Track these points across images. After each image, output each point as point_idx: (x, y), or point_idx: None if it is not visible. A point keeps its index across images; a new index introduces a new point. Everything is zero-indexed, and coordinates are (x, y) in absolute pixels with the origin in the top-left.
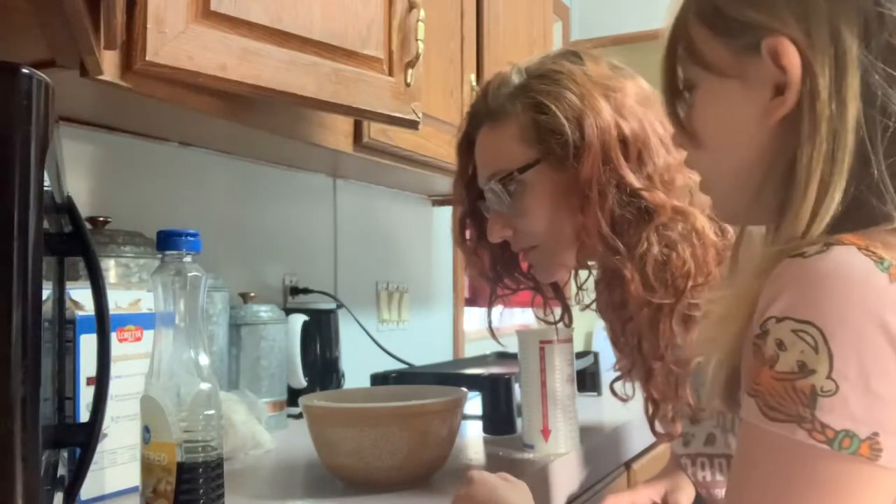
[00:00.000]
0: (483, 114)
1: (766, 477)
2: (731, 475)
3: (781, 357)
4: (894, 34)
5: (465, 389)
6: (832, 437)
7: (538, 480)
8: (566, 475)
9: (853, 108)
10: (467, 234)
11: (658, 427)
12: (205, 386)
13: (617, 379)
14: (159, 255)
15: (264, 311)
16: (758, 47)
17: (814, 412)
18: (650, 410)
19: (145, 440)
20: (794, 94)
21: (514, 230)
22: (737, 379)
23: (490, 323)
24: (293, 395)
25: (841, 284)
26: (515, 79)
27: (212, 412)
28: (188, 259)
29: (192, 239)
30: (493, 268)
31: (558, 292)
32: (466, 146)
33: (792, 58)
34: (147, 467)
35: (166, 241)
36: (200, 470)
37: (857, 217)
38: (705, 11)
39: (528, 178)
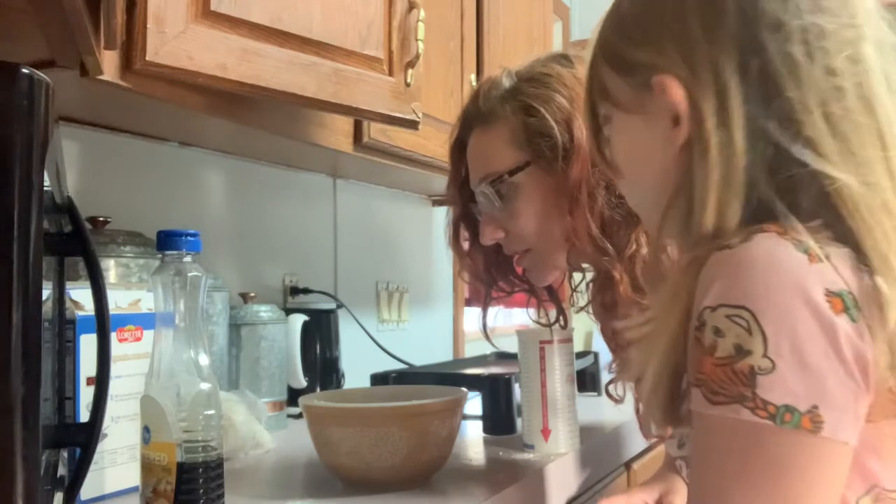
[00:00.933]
0: (474, 117)
1: (719, 460)
2: (690, 467)
3: (720, 343)
4: (768, 60)
5: (464, 389)
6: (773, 412)
7: (538, 480)
8: (566, 475)
9: (739, 134)
10: (462, 236)
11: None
12: (205, 386)
13: (612, 381)
14: (159, 255)
15: (264, 311)
16: (650, 84)
17: (754, 390)
18: (640, 412)
19: (145, 440)
20: (686, 124)
21: (506, 233)
22: (675, 390)
23: (485, 325)
24: (293, 395)
25: (766, 267)
26: (506, 82)
27: (212, 412)
28: (188, 259)
29: (192, 239)
30: (488, 270)
31: (553, 294)
32: (459, 149)
33: (676, 92)
34: (147, 467)
35: (166, 241)
36: (200, 470)
37: (764, 219)
38: (608, 54)
39: (519, 180)
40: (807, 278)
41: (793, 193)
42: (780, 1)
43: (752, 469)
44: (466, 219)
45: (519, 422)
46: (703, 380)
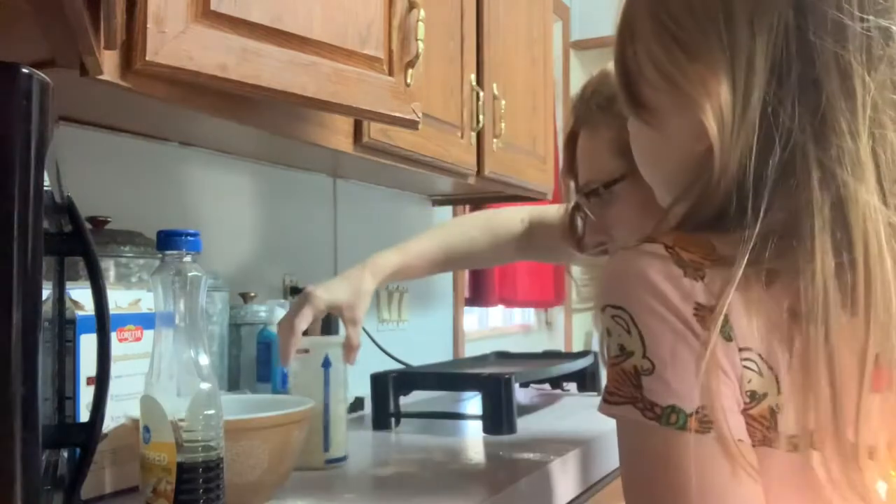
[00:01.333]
0: (582, 118)
1: (623, 457)
2: None
3: (609, 343)
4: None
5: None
6: (660, 413)
7: (538, 480)
8: (566, 475)
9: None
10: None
11: None
12: (205, 386)
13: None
14: (159, 255)
15: (264, 311)
16: (691, 86)
17: (641, 392)
18: None
19: (145, 440)
20: (715, 132)
21: (611, 236)
22: None
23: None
24: None
25: (643, 275)
26: (609, 88)
27: (212, 412)
28: (188, 259)
29: (192, 239)
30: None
31: None
32: (571, 142)
33: (717, 96)
34: (147, 467)
35: (166, 241)
36: (200, 470)
37: (711, 222)
38: (653, 51)
39: (617, 190)
40: (677, 289)
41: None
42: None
43: (643, 467)
44: (580, 210)
45: (519, 422)
46: (606, 381)
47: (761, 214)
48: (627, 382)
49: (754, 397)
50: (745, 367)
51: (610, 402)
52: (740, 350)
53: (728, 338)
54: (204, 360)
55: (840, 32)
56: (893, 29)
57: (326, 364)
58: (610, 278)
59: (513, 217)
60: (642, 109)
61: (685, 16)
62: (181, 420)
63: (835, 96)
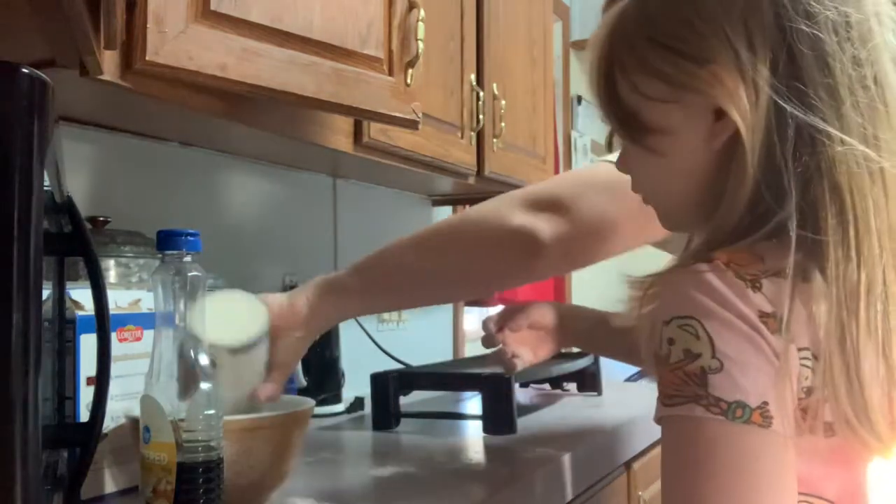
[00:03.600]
0: None
1: (680, 457)
2: (662, 476)
3: (672, 351)
4: (800, 50)
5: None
6: (726, 408)
7: (538, 480)
8: (566, 475)
9: (768, 125)
10: None
11: None
12: (205, 386)
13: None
14: (159, 256)
15: None
16: (695, 78)
17: (707, 389)
18: None
19: (145, 440)
20: (731, 120)
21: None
22: None
23: None
24: None
25: (711, 285)
26: None
27: (212, 412)
28: (188, 259)
29: (192, 239)
30: None
31: None
32: None
33: (729, 84)
34: (147, 467)
35: (166, 240)
36: (200, 470)
37: (754, 230)
38: (638, 44)
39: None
40: (744, 298)
41: (803, 187)
42: None
43: (710, 462)
44: None
45: (519, 422)
46: (661, 388)
47: (794, 214)
48: (690, 383)
49: (809, 392)
50: (802, 364)
51: (669, 405)
52: (799, 350)
53: (789, 340)
54: (204, 359)
55: (810, 18)
56: (854, 15)
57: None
58: (675, 293)
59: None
60: (648, 135)
61: (685, 29)
62: (181, 420)
63: (816, 73)
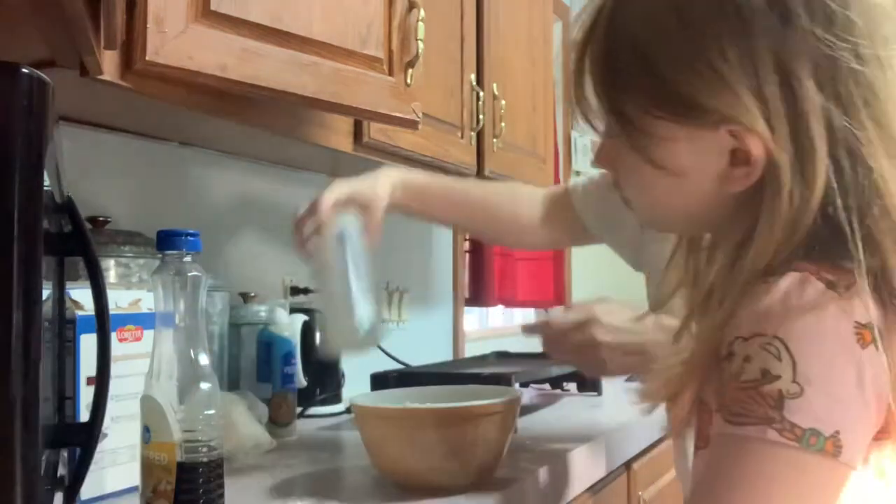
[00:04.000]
0: None
1: (738, 479)
2: (698, 484)
3: (746, 368)
4: (846, 102)
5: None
6: (800, 435)
7: (538, 480)
8: (566, 475)
9: (819, 181)
10: None
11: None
12: (205, 386)
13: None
14: (159, 255)
15: (264, 311)
16: (713, 128)
17: (782, 413)
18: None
19: (145, 440)
20: (757, 171)
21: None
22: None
23: None
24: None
25: (799, 302)
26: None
27: (212, 412)
28: (188, 259)
29: (192, 239)
30: None
31: None
32: None
33: (755, 145)
34: (147, 467)
35: (166, 241)
36: (200, 470)
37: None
38: (653, 92)
39: None
40: (836, 311)
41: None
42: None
43: (776, 488)
44: None
45: (519, 422)
46: (723, 404)
47: (857, 229)
48: (764, 405)
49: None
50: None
51: (736, 423)
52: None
53: (878, 349)
54: (204, 359)
55: (830, 27)
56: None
57: (342, 238)
58: (758, 308)
59: (536, 190)
60: (654, 147)
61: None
62: (181, 420)
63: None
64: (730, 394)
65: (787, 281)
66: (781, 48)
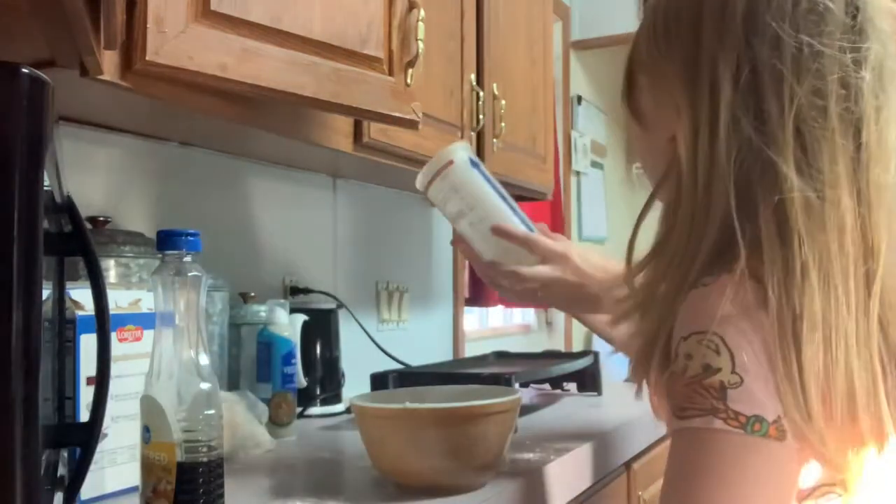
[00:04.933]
0: None
1: (689, 470)
2: (664, 485)
3: (689, 365)
4: (759, 72)
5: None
6: (744, 422)
7: (538, 480)
8: (566, 475)
9: (722, 148)
10: None
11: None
12: (205, 386)
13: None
14: (159, 255)
15: (264, 311)
16: (662, 99)
17: (726, 402)
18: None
19: (145, 440)
20: (680, 142)
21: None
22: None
23: None
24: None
25: (732, 300)
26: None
27: (212, 412)
28: (188, 259)
29: (192, 239)
30: None
31: None
32: None
33: (684, 115)
34: (147, 467)
35: (166, 240)
36: (200, 470)
37: (717, 259)
38: (639, 59)
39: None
40: (757, 312)
41: (754, 207)
42: (781, 18)
43: (727, 473)
44: None
45: (519, 422)
46: (673, 401)
47: (745, 242)
48: (708, 396)
49: None
50: None
51: (684, 417)
52: None
53: None
54: (204, 360)
55: (777, 46)
56: (823, 49)
57: (474, 164)
58: (694, 309)
59: None
60: (639, 118)
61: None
62: (181, 420)
63: (769, 100)
64: (677, 391)
65: (720, 280)
66: (717, 55)
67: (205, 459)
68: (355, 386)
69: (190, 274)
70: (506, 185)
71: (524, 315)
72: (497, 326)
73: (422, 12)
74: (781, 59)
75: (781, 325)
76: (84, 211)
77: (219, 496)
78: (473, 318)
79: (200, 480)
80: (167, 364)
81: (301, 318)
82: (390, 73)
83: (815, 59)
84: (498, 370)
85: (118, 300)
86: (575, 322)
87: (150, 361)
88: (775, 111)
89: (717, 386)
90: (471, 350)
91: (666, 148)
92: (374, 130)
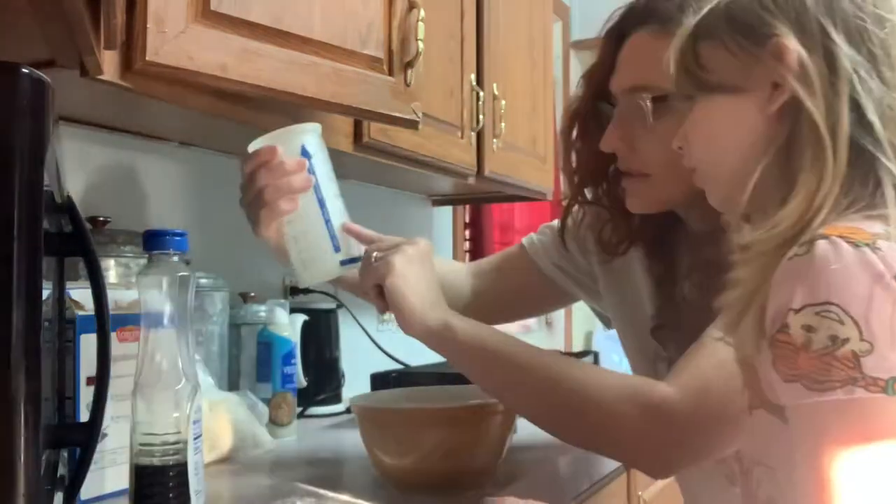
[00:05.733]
0: (650, 12)
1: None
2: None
3: (813, 338)
4: (873, 44)
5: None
6: (884, 385)
7: (538, 480)
8: (566, 475)
9: (844, 105)
10: (574, 129)
11: None
12: (181, 387)
13: None
14: (146, 255)
15: (264, 311)
16: (761, 49)
17: (862, 371)
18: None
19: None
20: (788, 86)
21: (634, 149)
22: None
23: (563, 226)
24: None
25: (839, 266)
26: None
27: (177, 415)
28: (175, 259)
29: (178, 238)
30: (583, 170)
31: (623, 224)
32: (615, 39)
33: (791, 56)
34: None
35: (153, 240)
36: (157, 474)
37: (849, 203)
38: (716, 25)
39: (664, 108)
40: (875, 267)
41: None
42: (885, 1)
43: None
44: (587, 114)
45: (519, 422)
46: (798, 374)
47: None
48: (843, 367)
49: None
50: None
51: (821, 390)
52: None
53: None
54: (188, 361)
55: (881, 23)
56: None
57: (305, 154)
58: (799, 279)
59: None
60: (716, 90)
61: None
62: (139, 423)
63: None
64: (803, 364)
65: (820, 248)
66: (822, 12)
67: (159, 464)
68: (355, 386)
69: (178, 274)
70: (506, 185)
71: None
72: (497, 326)
73: (422, 12)
74: (890, 37)
75: None
76: (84, 211)
77: (185, 502)
78: None
79: (156, 486)
80: (156, 364)
81: (301, 318)
82: (390, 73)
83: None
84: None
85: (118, 300)
86: (575, 322)
87: (136, 362)
88: (891, 79)
89: (850, 356)
90: None
91: (755, 113)
92: (374, 130)
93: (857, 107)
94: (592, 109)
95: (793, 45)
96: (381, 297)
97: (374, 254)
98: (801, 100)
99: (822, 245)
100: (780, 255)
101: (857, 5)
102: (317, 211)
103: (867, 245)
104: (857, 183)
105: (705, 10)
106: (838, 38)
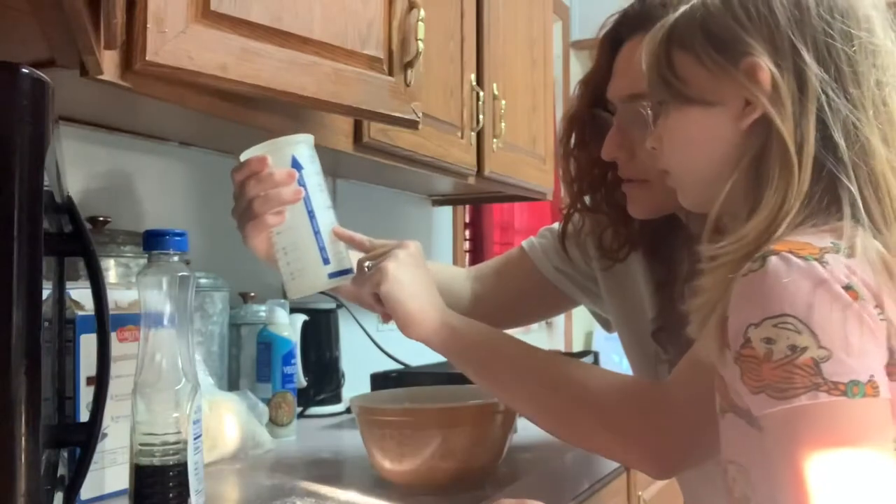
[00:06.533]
0: (645, 18)
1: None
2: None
3: (774, 349)
4: (840, 61)
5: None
6: (844, 389)
7: (538, 480)
8: (566, 475)
9: (812, 118)
10: (572, 136)
11: None
12: (181, 387)
13: None
14: (146, 255)
15: (264, 311)
16: (735, 66)
17: (823, 376)
18: None
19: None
20: (760, 105)
21: (634, 156)
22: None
23: (564, 234)
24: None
25: (790, 280)
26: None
27: (176, 415)
28: (175, 259)
29: (178, 238)
30: (580, 179)
31: (624, 229)
32: (611, 45)
33: (764, 76)
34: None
35: (153, 240)
36: (158, 473)
37: (812, 217)
38: (689, 36)
39: (656, 109)
40: (823, 279)
41: (835, 180)
42: (852, 18)
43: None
44: (583, 120)
45: (519, 421)
46: (763, 385)
47: (857, 197)
48: (805, 374)
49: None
50: (881, 319)
51: (786, 398)
52: (880, 305)
53: (866, 301)
54: (187, 361)
55: (849, 40)
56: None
57: (296, 165)
58: (756, 293)
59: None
60: (691, 102)
61: (735, 26)
62: (140, 423)
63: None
64: (767, 374)
65: (772, 264)
66: (793, 30)
67: (159, 464)
68: (355, 386)
69: (178, 274)
70: (506, 185)
71: None
72: None
73: (422, 12)
74: (857, 52)
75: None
76: (84, 211)
77: (184, 501)
78: None
79: (157, 485)
80: (156, 364)
81: (301, 318)
82: (390, 73)
83: (875, 55)
84: None
85: (118, 300)
86: (575, 322)
87: (136, 362)
88: (857, 96)
89: (811, 363)
90: None
91: (726, 125)
92: (374, 130)
93: (823, 127)
94: (590, 116)
95: (766, 65)
96: (381, 304)
97: (367, 263)
98: (771, 119)
99: (773, 261)
100: (740, 266)
101: (825, 21)
102: (306, 223)
103: (815, 259)
104: (815, 200)
105: (680, 11)
106: (808, 57)
